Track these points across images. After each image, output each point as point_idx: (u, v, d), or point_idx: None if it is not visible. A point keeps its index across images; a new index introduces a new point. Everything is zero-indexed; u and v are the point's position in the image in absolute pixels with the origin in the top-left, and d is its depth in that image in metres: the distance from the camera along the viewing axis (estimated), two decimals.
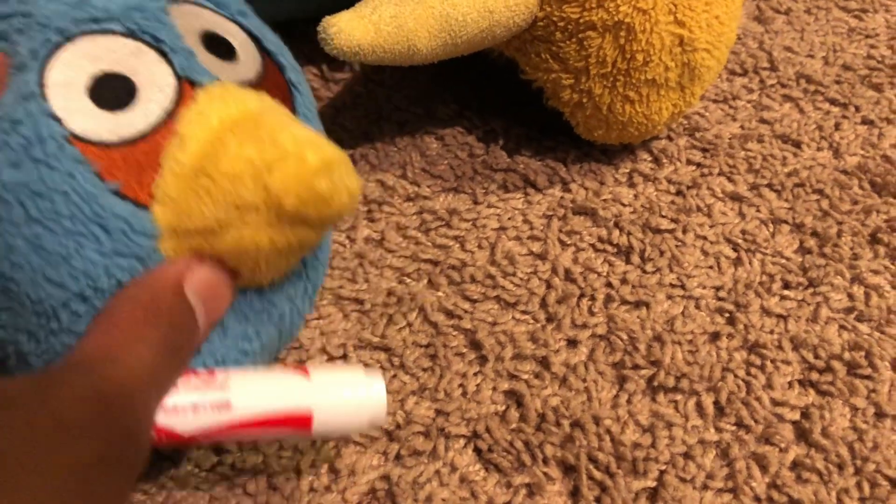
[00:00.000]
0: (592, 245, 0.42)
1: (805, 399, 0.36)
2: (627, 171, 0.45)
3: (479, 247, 0.41)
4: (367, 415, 0.27)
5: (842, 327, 0.39)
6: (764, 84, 0.52)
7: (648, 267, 0.41)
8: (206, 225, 0.24)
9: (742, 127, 0.49)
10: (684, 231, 0.42)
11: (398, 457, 0.33)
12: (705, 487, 0.33)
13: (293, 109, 0.29)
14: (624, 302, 0.39)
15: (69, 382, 0.20)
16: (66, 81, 0.24)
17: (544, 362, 0.37)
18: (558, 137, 0.46)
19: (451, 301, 0.39)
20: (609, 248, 0.42)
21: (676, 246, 0.42)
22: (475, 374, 0.36)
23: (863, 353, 0.38)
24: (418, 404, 0.35)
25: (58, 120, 0.24)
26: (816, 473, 0.34)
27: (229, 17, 0.29)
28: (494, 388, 0.36)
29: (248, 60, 0.28)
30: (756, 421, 0.35)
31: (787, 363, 0.37)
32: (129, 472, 0.20)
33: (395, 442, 0.34)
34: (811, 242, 0.42)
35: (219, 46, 0.28)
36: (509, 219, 0.43)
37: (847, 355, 0.38)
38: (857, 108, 0.50)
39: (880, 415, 0.36)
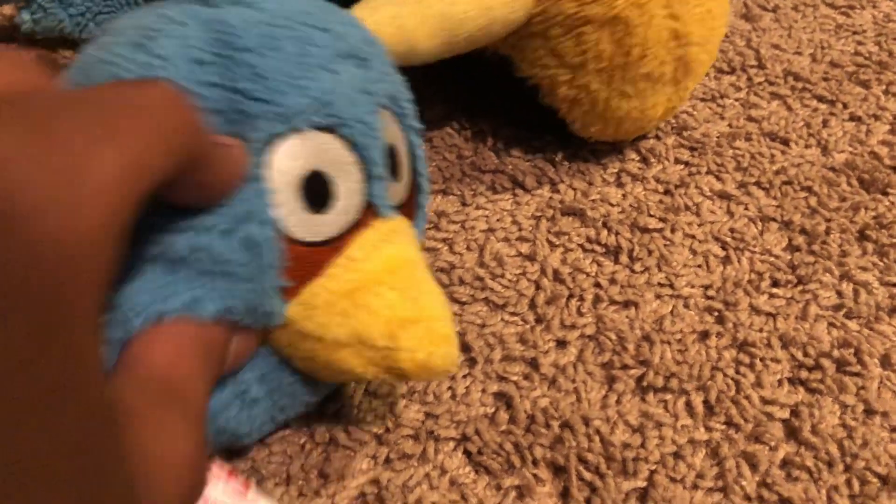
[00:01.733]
0: (581, 245, 0.42)
1: (794, 397, 0.36)
2: (616, 170, 0.45)
3: (468, 248, 0.41)
4: None
5: (831, 324, 0.39)
6: (752, 82, 0.52)
7: (637, 266, 0.41)
8: (322, 336, 0.26)
9: (730, 125, 0.49)
10: (672, 230, 0.42)
11: (388, 460, 0.33)
12: (695, 487, 0.33)
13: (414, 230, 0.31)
14: (612, 302, 0.39)
15: (164, 405, 0.20)
16: (285, 170, 0.25)
17: (533, 363, 0.37)
18: (546, 138, 0.46)
19: None
20: (598, 248, 0.42)
21: (665, 245, 0.42)
22: (464, 377, 0.36)
23: (852, 351, 0.38)
24: (407, 407, 0.35)
25: (276, 221, 0.25)
26: (806, 471, 0.34)
27: (403, 129, 0.30)
28: (484, 391, 0.36)
29: (406, 179, 0.30)
30: (746, 420, 0.35)
31: (777, 361, 0.37)
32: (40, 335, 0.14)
33: (384, 445, 0.34)
34: (800, 240, 0.43)
35: (394, 163, 0.29)
36: (498, 220, 0.42)
37: (836, 353, 0.38)
38: (845, 105, 0.50)
39: (869, 412, 0.36)
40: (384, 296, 0.26)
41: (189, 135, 0.19)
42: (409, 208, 0.30)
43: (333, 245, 0.26)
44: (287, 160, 0.25)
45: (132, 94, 0.18)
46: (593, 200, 0.44)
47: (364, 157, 0.26)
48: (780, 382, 0.37)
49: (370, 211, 0.27)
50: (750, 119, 0.49)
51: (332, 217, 0.26)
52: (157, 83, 0.19)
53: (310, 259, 0.25)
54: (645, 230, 0.42)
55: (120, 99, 0.17)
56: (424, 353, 0.26)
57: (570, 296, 0.39)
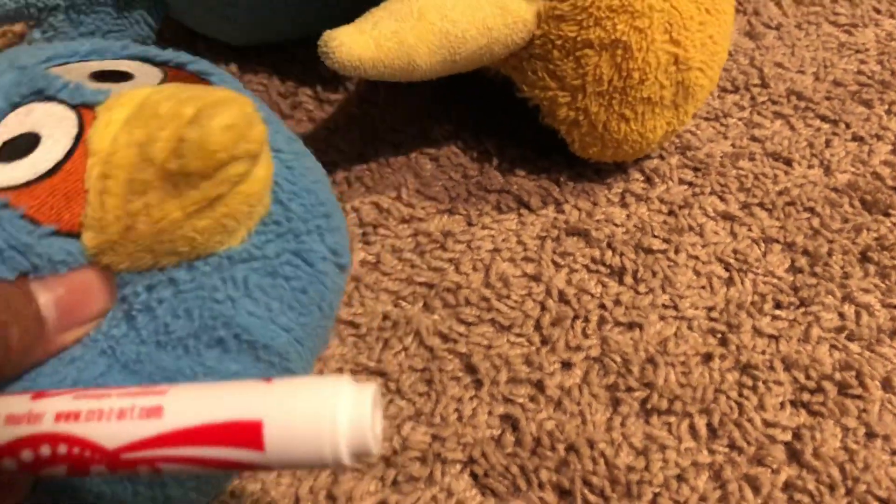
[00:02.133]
0: (586, 266, 0.42)
1: (797, 419, 0.37)
2: (620, 190, 0.46)
3: (474, 269, 0.42)
4: (343, 431, 0.19)
5: (833, 347, 0.40)
6: (755, 101, 0.52)
7: (641, 288, 0.41)
8: (121, 225, 0.24)
9: (733, 145, 0.49)
10: (676, 251, 0.43)
11: (395, 482, 0.34)
12: None
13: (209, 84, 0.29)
14: (617, 323, 0.40)
15: None
16: None
17: (539, 385, 0.37)
18: (552, 157, 0.47)
19: (446, 324, 0.39)
20: (602, 268, 0.42)
21: (669, 266, 0.42)
22: (471, 399, 0.37)
23: (853, 373, 0.38)
24: (414, 429, 0.35)
25: None
26: (808, 495, 0.34)
27: (112, 57, 0.30)
28: (490, 413, 0.36)
29: (148, 76, 0.28)
30: (748, 442, 0.36)
31: (779, 384, 0.38)
32: None
33: (391, 468, 0.34)
34: (802, 261, 0.43)
35: (114, 76, 0.28)
36: (503, 240, 0.43)
37: (838, 375, 0.38)
38: (848, 125, 0.51)
39: (871, 435, 0.36)
40: (129, 142, 0.24)
41: None
42: (179, 79, 0.29)
43: (72, 160, 0.24)
44: None
45: None
46: (598, 221, 0.44)
47: (39, 94, 0.26)
48: (782, 405, 0.37)
49: (88, 112, 0.25)
50: (753, 139, 0.50)
51: (48, 145, 0.25)
52: None
53: (58, 186, 0.24)
54: (649, 251, 0.43)
55: None
56: (177, 139, 0.23)
57: (576, 317, 0.40)
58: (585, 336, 0.39)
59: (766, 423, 0.36)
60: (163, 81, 0.28)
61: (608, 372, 0.38)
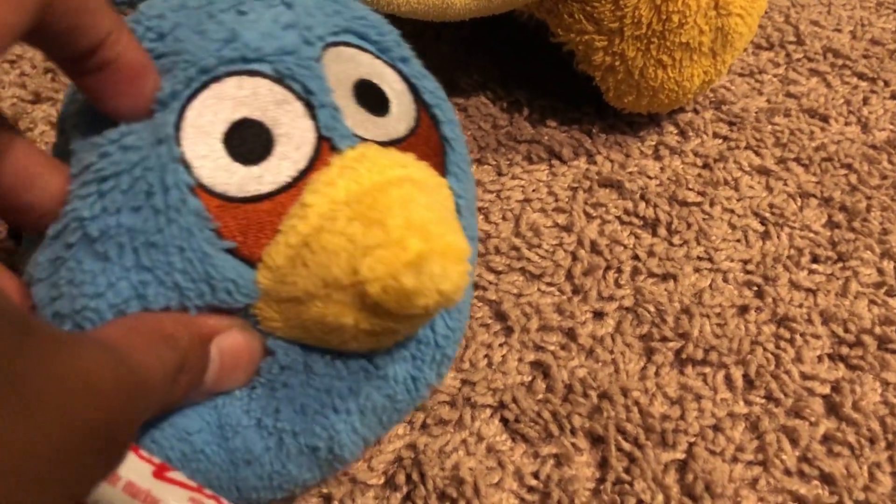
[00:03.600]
0: (618, 217, 0.41)
1: (835, 373, 0.36)
2: (653, 143, 0.45)
3: (504, 218, 0.41)
4: None
5: (872, 302, 0.39)
6: (790, 58, 0.51)
7: (675, 240, 0.40)
8: (296, 294, 0.22)
9: (769, 101, 0.48)
10: (711, 204, 0.42)
11: (424, 426, 0.33)
12: (735, 460, 0.33)
13: (443, 167, 0.27)
14: (651, 274, 0.39)
15: (94, 345, 0.18)
16: (204, 125, 0.22)
17: (571, 334, 0.36)
18: (583, 108, 0.45)
19: (476, 272, 0.38)
20: (635, 220, 0.41)
21: (703, 219, 0.41)
22: (501, 345, 0.36)
23: (893, 328, 0.37)
24: None
25: (187, 167, 0.22)
26: (848, 447, 0.33)
27: (389, 62, 0.27)
28: (520, 359, 0.35)
29: (402, 113, 0.26)
30: (786, 394, 0.35)
31: (817, 337, 0.37)
32: (109, 464, 0.19)
33: (420, 411, 0.33)
34: (840, 217, 0.42)
35: (371, 97, 0.25)
36: (534, 190, 0.42)
37: (878, 330, 0.37)
38: (886, 83, 0.49)
39: None
40: (342, 231, 0.22)
41: None
42: (420, 141, 0.26)
43: (285, 194, 0.23)
44: (201, 115, 0.22)
45: None
46: (631, 172, 0.43)
47: (302, 91, 0.24)
48: (820, 358, 0.36)
49: (326, 148, 0.23)
50: (789, 95, 0.48)
51: (272, 165, 0.23)
52: None
53: (257, 216, 0.23)
54: (683, 203, 0.42)
55: None
56: (393, 277, 0.21)
57: (608, 267, 0.39)
58: (618, 286, 0.38)
59: (804, 376, 0.36)
60: (409, 134, 0.26)
61: (642, 322, 0.37)
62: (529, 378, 0.35)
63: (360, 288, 0.21)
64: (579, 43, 0.40)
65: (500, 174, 0.43)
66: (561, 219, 0.41)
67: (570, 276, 0.39)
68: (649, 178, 0.43)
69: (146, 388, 0.19)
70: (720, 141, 0.45)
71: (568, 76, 0.44)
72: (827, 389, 0.35)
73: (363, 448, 0.26)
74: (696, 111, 0.47)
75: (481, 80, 0.47)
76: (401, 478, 0.31)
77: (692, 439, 0.33)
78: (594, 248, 0.40)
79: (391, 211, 0.21)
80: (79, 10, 0.20)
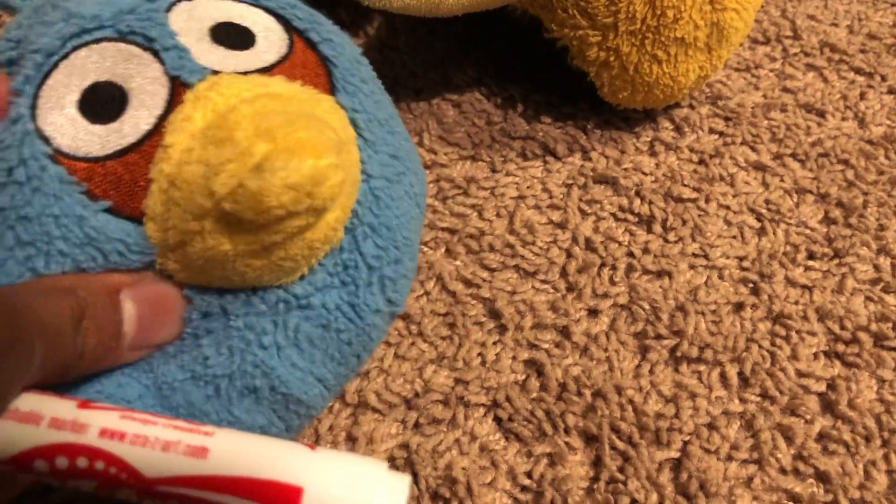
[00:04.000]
0: (613, 214, 0.41)
1: (831, 371, 0.36)
2: (649, 139, 0.44)
3: (498, 215, 0.40)
4: None
5: (868, 298, 0.38)
6: (787, 53, 0.51)
7: (671, 236, 0.40)
8: (179, 237, 0.22)
9: (765, 96, 0.48)
10: (707, 200, 0.42)
11: (417, 425, 0.33)
12: (730, 458, 0.33)
13: (330, 85, 0.27)
14: (646, 271, 0.39)
15: None
16: (56, 98, 0.23)
17: (565, 332, 0.36)
18: (578, 104, 0.45)
19: (469, 270, 0.38)
20: (630, 217, 0.41)
21: (699, 215, 0.41)
22: (494, 344, 0.36)
23: (890, 325, 0.37)
24: (437, 373, 0.34)
25: (45, 139, 0.23)
26: (843, 445, 0.33)
27: (252, 2, 0.27)
28: (514, 358, 0.35)
29: (270, 44, 0.26)
30: (781, 392, 0.35)
31: (813, 334, 0.37)
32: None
33: (413, 410, 0.33)
34: (836, 213, 0.42)
35: (231, 36, 0.26)
36: (528, 187, 0.42)
37: (874, 326, 0.37)
38: (884, 78, 0.49)
39: None
40: (198, 159, 0.21)
41: None
42: (295, 66, 0.26)
43: (148, 142, 0.23)
44: (53, 89, 0.23)
45: None
46: (626, 169, 0.43)
47: (144, 41, 0.24)
48: (815, 356, 0.36)
49: (180, 88, 0.23)
50: (785, 90, 0.48)
51: (129, 118, 0.23)
52: None
53: (126, 170, 0.23)
54: (679, 200, 0.41)
55: None
56: (238, 184, 0.21)
57: (603, 265, 0.39)
58: (613, 283, 0.38)
59: (800, 374, 0.35)
60: (280, 61, 0.26)
61: (636, 319, 0.37)
62: (523, 377, 0.35)
63: (220, 207, 0.21)
64: (573, 38, 0.40)
65: (494, 171, 0.42)
66: (555, 216, 0.41)
67: (564, 273, 0.38)
68: (644, 174, 0.43)
69: (24, 322, 0.19)
70: (716, 136, 0.45)
71: (563, 72, 0.43)
72: (822, 387, 0.35)
73: (323, 386, 0.26)
74: (691, 106, 0.46)
75: (475, 76, 0.47)
76: None
77: (687, 438, 0.33)
78: (589, 245, 0.39)
79: (240, 124, 0.21)
80: None
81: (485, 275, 0.38)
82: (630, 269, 0.39)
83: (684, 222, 0.40)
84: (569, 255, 0.39)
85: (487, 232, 0.40)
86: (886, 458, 0.33)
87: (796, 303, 0.38)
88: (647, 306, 0.37)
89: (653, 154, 0.44)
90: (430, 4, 0.36)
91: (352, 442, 0.32)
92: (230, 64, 0.25)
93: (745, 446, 0.33)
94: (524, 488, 0.32)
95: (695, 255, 0.39)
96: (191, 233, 0.22)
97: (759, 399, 0.34)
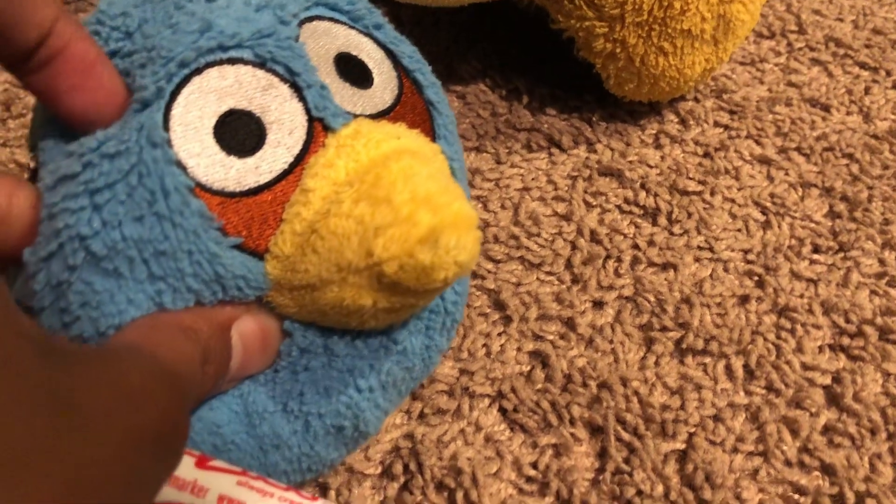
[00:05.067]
0: (618, 206, 0.41)
1: (836, 364, 0.36)
2: (654, 132, 0.44)
3: (503, 207, 0.40)
4: None
5: (873, 292, 0.38)
6: (792, 47, 0.50)
7: (676, 229, 0.40)
8: (309, 281, 0.22)
9: (770, 90, 0.48)
10: (712, 193, 0.42)
11: (422, 415, 0.33)
12: (735, 450, 0.33)
13: (432, 132, 0.27)
14: (651, 264, 0.38)
15: (123, 356, 0.18)
16: (192, 122, 0.22)
17: (570, 323, 0.36)
18: (584, 97, 0.45)
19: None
20: (635, 209, 0.41)
21: (704, 208, 0.41)
22: (499, 335, 0.36)
23: (895, 318, 0.37)
24: (442, 363, 0.34)
25: (183, 168, 0.21)
26: (849, 438, 0.33)
27: (364, 31, 0.26)
28: (519, 349, 0.35)
29: (385, 82, 0.26)
30: (786, 385, 0.35)
31: (818, 327, 0.37)
32: (172, 459, 0.18)
33: (418, 401, 0.33)
34: (841, 207, 0.42)
35: (353, 70, 0.25)
36: (533, 179, 0.42)
37: (879, 320, 0.37)
38: (888, 73, 0.49)
39: None
40: (350, 213, 0.21)
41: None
42: (407, 109, 0.26)
43: (284, 181, 0.22)
44: (188, 111, 0.22)
45: None
46: (631, 161, 0.43)
47: (286, 73, 0.23)
48: (821, 349, 0.36)
49: (319, 128, 0.23)
50: (790, 84, 0.48)
51: (267, 154, 0.22)
52: None
53: (259, 207, 0.22)
54: (684, 193, 0.41)
55: None
56: (408, 254, 0.21)
57: (608, 257, 0.39)
58: (618, 275, 0.38)
59: (805, 367, 0.35)
60: (396, 103, 0.25)
61: (641, 311, 0.37)
62: (528, 368, 0.35)
63: (377, 269, 0.21)
64: (580, 30, 0.40)
65: (498, 162, 0.42)
66: (560, 208, 0.40)
67: (569, 265, 0.38)
68: (650, 166, 0.43)
69: (181, 383, 0.19)
70: (721, 130, 0.45)
71: (568, 64, 0.43)
72: (828, 380, 0.35)
73: (384, 420, 0.26)
74: (696, 100, 0.46)
75: (480, 68, 0.47)
76: (398, 468, 0.31)
77: (692, 429, 0.33)
78: (594, 238, 0.39)
79: (395, 186, 0.21)
80: (15, 1, 0.19)
81: (490, 266, 0.38)
82: (635, 261, 0.39)
83: (689, 215, 0.40)
84: (574, 247, 0.39)
85: (492, 223, 0.39)
86: (892, 450, 0.33)
87: (801, 296, 0.38)
88: (652, 298, 0.37)
89: (658, 147, 0.44)
90: None
91: None
92: (359, 105, 0.24)
93: (751, 438, 0.33)
94: (529, 479, 0.32)
95: (700, 248, 0.39)
96: (328, 281, 0.22)
97: (764, 391, 0.34)
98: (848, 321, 0.37)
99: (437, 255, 0.21)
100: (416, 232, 0.21)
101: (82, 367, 0.16)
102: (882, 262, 0.39)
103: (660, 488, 0.31)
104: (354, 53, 0.25)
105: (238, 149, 0.22)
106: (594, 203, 0.41)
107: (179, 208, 0.21)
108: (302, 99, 0.23)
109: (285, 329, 0.24)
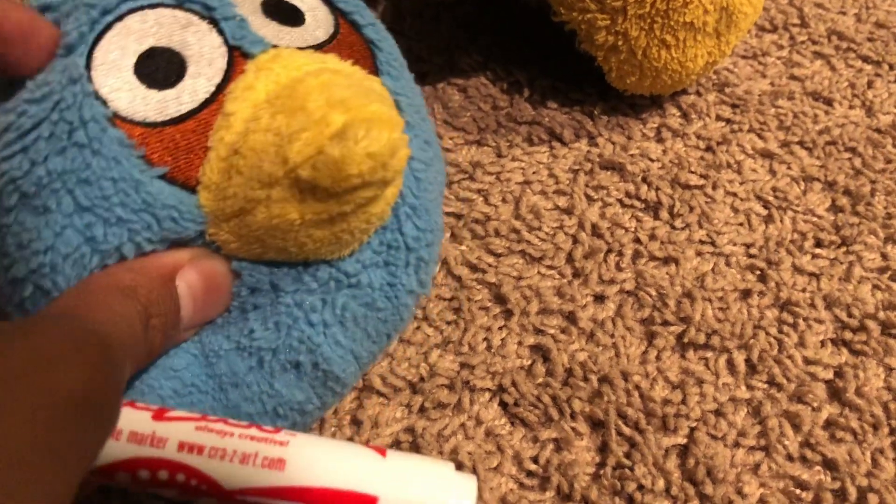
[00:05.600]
0: (620, 200, 0.41)
1: (838, 358, 0.35)
2: (656, 125, 0.44)
3: (504, 200, 0.40)
4: None
5: (875, 287, 0.38)
6: (794, 40, 0.50)
7: (677, 223, 0.40)
8: (239, 205, 0.22)
9: (772, 84, 0.47)
10: (714, 187, 0.41)
11: (422, 409, 0.33)
12: (737, 445, 0.32)
13: (374, 67, 0.27)
14: (652, 258, 0.38)
15: (46, 324, 0.18)
16: (113, 61, 0.22)
17: (571, 317, 0.36)
18: (585, 90, 0.45)
19: (474, 255, 0.38)
20: (637, 203, 0.40)
21: (706, 202, 0.41)
22: (500, 329, 0.35)
23: None
24: (442, 357, 0.34)
25: (103, 101, 0.22)
26: (851, 433, 0.33)
27: None
28: (520, 343, 0.35)
29: (318, 22, 0.26)
30: (788, 379, 0.34)
31: (820, 322, 0.36)
32: (103, 427, 0.18)
33: (418, 394, 0.33)
34: (843, 201, 0.41)
35: (283, 11, 0.26)
36: (534, 172, 0.41)
37: (881, 314, 0.37)
38: (891, 66, 0.49)
39: None
40: (268, 127, 0.22)
41: None
42: (343, 46, 0.26)
43: (206, 110, 0.23)
44: (110, 51, 0.22)
45: None
46: (633, 155, 0.42)
47: (203, 10, 0.24)
48: (823, 343, 0.36)
49: (239, 57, 0.24)
50: (792, 78, 0.48)
51: (188, 85, 0.23)
52: None
53: (183, 137, 0.22)
54: (686, 186, 0.41)
55: None
56: (318, 151, 0.21)
57: (609, 251, 0.38)
58: (619, 269, 0.38)
59: (807, 361, 0.35)
60: (329, 40, 0.26)
61: (643, 306, 0.36)
62: (529, 362, 0.34)
63: (293, 175, 0.21)
64: (582, 22, 0.40)
65: (499, 155, 0.42)
66: (562, 201, 0.40)
67: (570, 259, 0.38)
68: (651, 160, 0.42)
69: (114, 347, 0.19)
70: (723, 124, 0.45)
71: (570, 57, 0.43)
72: (830, 374, 0.35)
73: (358, 364, 0.26)
74: (698, 93, 0.46)
75: (481, 60, 0.46)
76: None
77: (693, 424, 0.33)
78: (595, 231, 0.39)
79: (310, 95, 0.21)
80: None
81: (490, 260, 0.38)
82: (637, 255, 0.38)
83: (691, 209, 0.40)
84: (575, 240, 0.39)
85: (493, 217, 0.39)
86: (894, 445, 0.33)
87: (804, 290, 0.38)
88: (653, 292, 0.37)
89: (660, 140, 0.43)
90: None
91: (356, 425, 0.32)
92: (285, 38, 0.25)
93: (753, 433, 0.33)
94: (530, 473, 0.31)
95: (702, 242, 0.39)
96: (255, 201, 0.22)
97: (766, 386, 0.34)
98: (850, 315, 0.37)
99: (347, 147, 0.21)
100: (327, 130, 0.21)
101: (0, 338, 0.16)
102: (885, 256, 0.39)
103: (661, 483, 0.31)
104: None
105: (159, 81, 0.23)
106: (595, 197, 0.41)
107: (98, 135, 0.22)
108: (221, 32, 0.24)
109: (234, 269, 0.24)
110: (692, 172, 0.42)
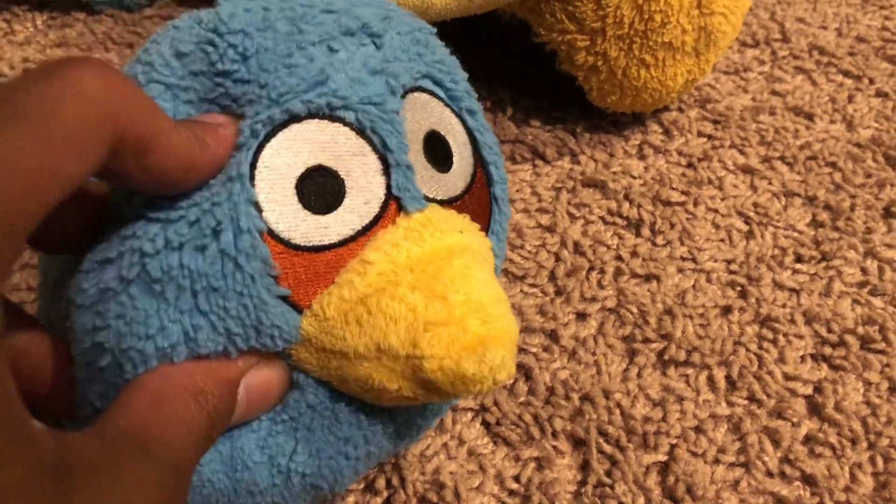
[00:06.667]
0: (602, 218, 0.41)
1: (818, 373, 0.36)
2: (637, 142, 0.45)
3: None
4: None
5: (855, 301, 0.38)
6: (776, 56, 0.51)
7: (659, 240, 0.40)
8: (343, 350, 0.22)
9: (754, 99, 0.48)
10: (695, 204, 0.42)
11: None
12: (717, 462, 0.33)
13: (487, 229, 0.27)
14: (634, 275, 0.39)
15: (125, 460, 0.18)
16: (279, 167, 0.22)
17: (553, 335, 0.36)
18: (567, 108, 0.45)
19: None
20: (619, 220, 0.41)
21: (687, 219, 0.41)
22: None
23: (876, 328, 0.37)
24: None
25: (259, 210, 0.21)
26: (829, 448, 0.33)
27: (457, 112, 0.27)
28: None
29: (462, 169, 0.26)
30: (768, 395, 0.35)
31: (800, 337, 0.37)
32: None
33: None
34: (824, 216, 0.42)
35: (439, 150, 0.25)
36: (517, 191, 0.42)
37: (860, 329, 0.37)
38: (871, 81, 0.49)
39: (894, 389, 0.35)
40: (404, 298, 0.22)
41: (121, 116, 0.17)
42: (474, 200, 0.26)
43: (346, 247, 0.22)
44: (279, 155, 0.22)
45: (39, 87, 0.16)
46: (615, 172, 0.43)
47: (380, 145, 0.23)
48: (802, 359, 0.36)
49: (394, 206, 0.23)
50: (774, 93, 0.48)
51: (339, 217, 0.22)
52: (80, 66, 0.17)
53: (315, 265, 0.22)
54: (667, 203, 0.42)
55: (19, 96, 0.16)
56: (452, 359, 0.21)
57: (591, 268, 0.39)
58: (601, 287, 0.38)
59: (787, 377, 0.35)
60: (465, 191, 0.26)
61: (624, 323, 0.37)
62: (511, 381, 0.35)
63: (416, 362, 0.22)
64: (562, 43, 0.40)
65: None
66: (544, 219, 0.41)
67: (552, 277, 0.38)
68: (633, 177, 0.43)
69: (187, 472, 0.20)
70: (704, 140, 0.45)
71: (552, 75, 0.43)
72: (809, 390, 0.35)
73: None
74: (680, 110, 0.46)
75: None
76: (381, 482, 0.31)
77: (674, 441, 0.33)
78: (577, 249, 0.40)
79: (453, 285, 0.22)
80: (150, 146, 0.18)
81: None
82: (618, 272, 0.39)
83: (672, 226, 0.41)
84: (557, 258, 0.39)
85: None
86: (872, 460, 0.33)
87: (784, 306, 0.38)
88: (635, 310, 0.37)
89: (641, 157, 0.44)
90: (418, 9, 0.36)
91: None
92: (433, 187, 0.24)
93: (732, 449, 0.33)
94: (512, 492, 0.32)
95: (683, 259, 0.39)
96: (363, 357, 0.22)
97: (746, 402, 0.35)
98: (830, 331, 0.37)
99: (481, 369, 0.21)
100: (464, 338, 0.21)
101: (85, 487, 0.16)
102: (864, 270, 0.40)
103: (641, 500, 0.31)
104: (443, 133, 0.25)
105: (314, 205, 0.22)
106: (578, 214, 0.41)
107: (247, 251, 0.21)
108: (387, 174, 0.23)
109: (295, 381, 0.23)
110: (674, 189, 0.42)
